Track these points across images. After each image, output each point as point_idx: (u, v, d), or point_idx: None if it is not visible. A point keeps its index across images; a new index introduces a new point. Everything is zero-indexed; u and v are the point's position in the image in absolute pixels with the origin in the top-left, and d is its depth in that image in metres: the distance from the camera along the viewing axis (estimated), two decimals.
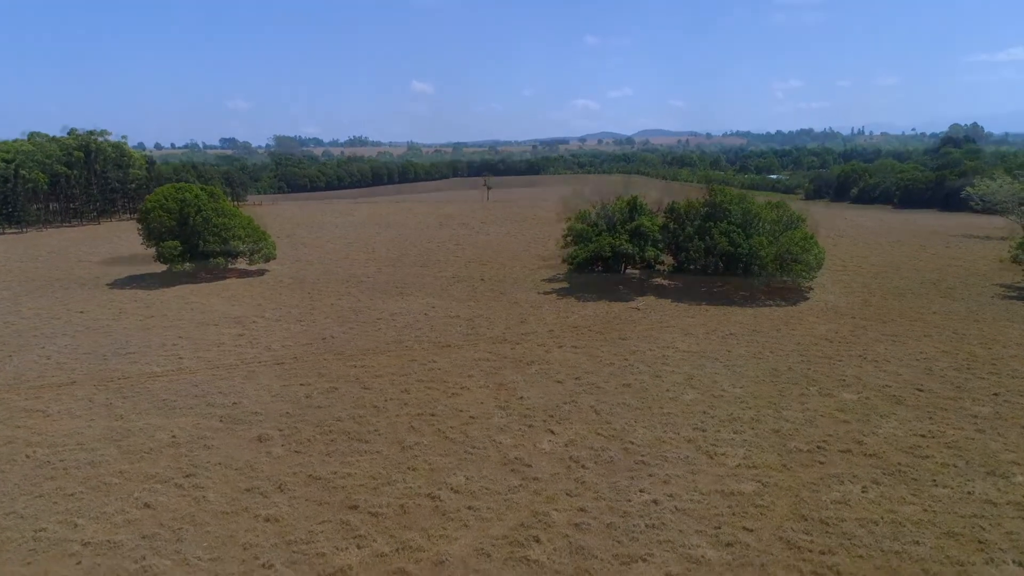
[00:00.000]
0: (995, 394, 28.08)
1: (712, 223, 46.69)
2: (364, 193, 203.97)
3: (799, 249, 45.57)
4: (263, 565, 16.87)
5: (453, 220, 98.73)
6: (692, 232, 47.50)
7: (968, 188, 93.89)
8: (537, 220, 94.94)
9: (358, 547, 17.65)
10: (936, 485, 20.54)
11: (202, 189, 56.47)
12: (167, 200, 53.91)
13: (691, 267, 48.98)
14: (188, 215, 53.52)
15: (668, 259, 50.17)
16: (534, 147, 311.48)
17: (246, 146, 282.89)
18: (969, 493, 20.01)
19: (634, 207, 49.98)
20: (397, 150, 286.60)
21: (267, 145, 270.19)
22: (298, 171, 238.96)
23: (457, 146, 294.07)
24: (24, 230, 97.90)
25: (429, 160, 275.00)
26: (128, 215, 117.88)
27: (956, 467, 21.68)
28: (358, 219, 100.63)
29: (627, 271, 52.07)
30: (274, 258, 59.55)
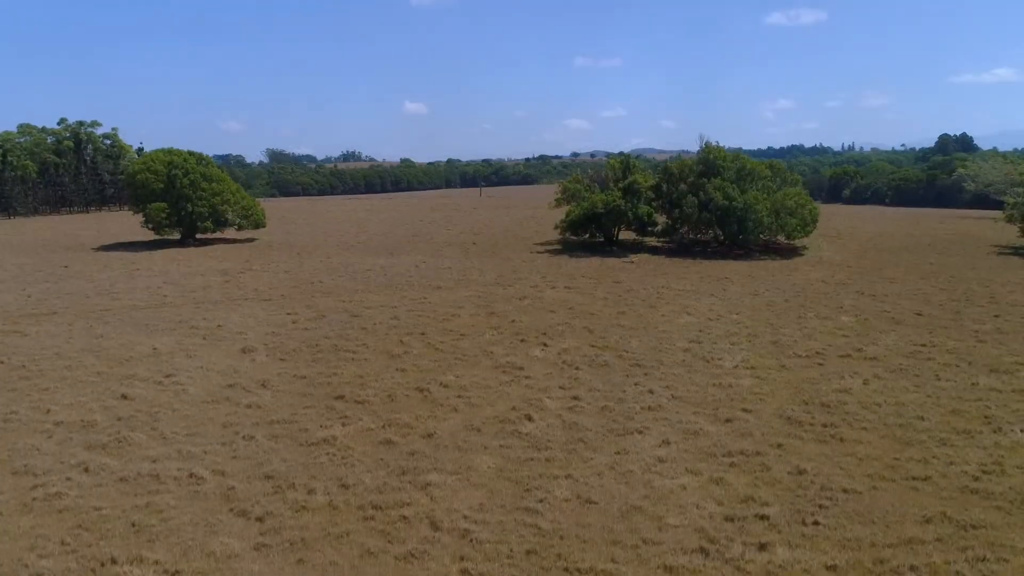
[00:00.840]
0: (995, 316, 27.65)
1: (706, 179, 46.23)
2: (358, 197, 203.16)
3: (793, 204, 45.28)
4: (243, 437, 16.16)
5: (446, 206, 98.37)
6: (686, 189, 47.02)
7: (960, 169, 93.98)
8: (532, 216, 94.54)
9: (343, 424, 16.96)
10: (939, 379, 19.99)
11: (190, 154, 55.71)
12: (154, 162, 53.16)
13: (684, 227, 48.44)
14: (175, 178, 52.71)
15: (661, 219, 49.58)
16: (527, 160, 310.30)
17: (240, 159, 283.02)
18: (974, 384, 19.47)
19: (627, 166, 49.52)
20: (390, 165, 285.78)
21: (260, 162, 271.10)
22: (291, 178, 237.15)
23: (451, 162, 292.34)
24: (11, 217, 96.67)
25: (423, 170, 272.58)
26: (119, 206, 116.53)
27: (959, 367, 21.15)
28: (351, 208, 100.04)
29: (619, 236, 51.37)
30: (263, 226, 58.82)
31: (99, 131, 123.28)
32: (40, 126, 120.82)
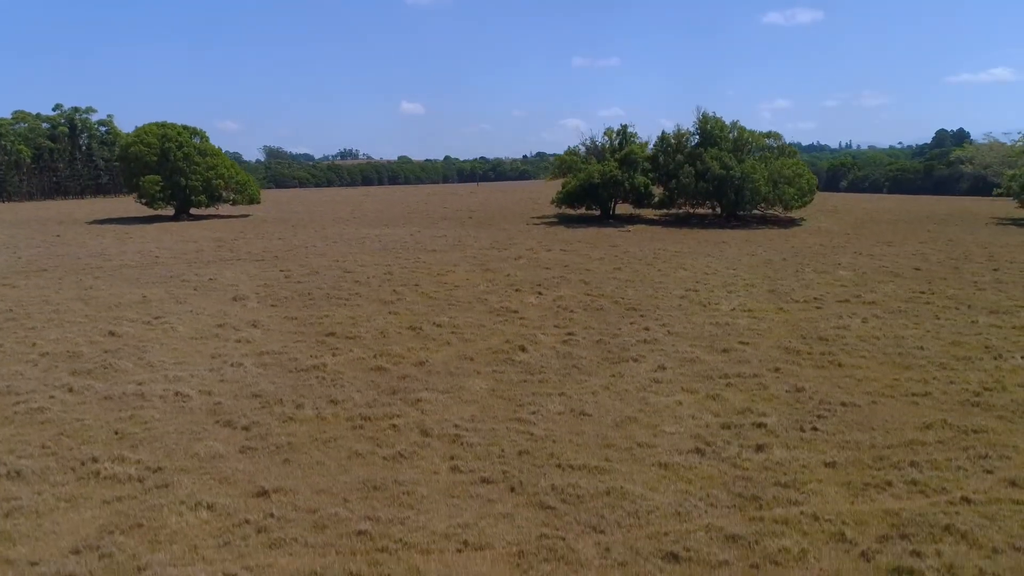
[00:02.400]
0: (994, 270, 27.45)
1: (703, 149, 45.92)
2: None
3: (791, 173, 45.02)
4: (232, 365, 15.86)
5: (443, 192, 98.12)
6: (683, 160, 46.70)
7: (957, 151, 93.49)
8: (528, 199, 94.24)
9: (333, 355, 16.68)
10: (939, 319, 19.77)
11: (184, 128, 55.23)
12: (148, 135, 52.67)
13: (681, 198, 48.12)
14: (169, 151, 52.25)
15: (658, 191, 49.28)
16: (524, 158, 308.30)
17: (237, 156, 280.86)
18: (973, 322, 19.26)
19: (624, 137, 49.21)
20: (387, 161, 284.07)
21: (257, 160, 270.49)
22: (288, 172, 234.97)
23: (448, 159, 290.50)
24: (5, 201, 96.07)
25: (420, 166, 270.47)
26: (115, 194, 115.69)
27: (958, 309, 20.92)
28: (347, 192, 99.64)
29: (616, 209, 51.06)
30: (258, 201, 58.44)
31: (94, 118, 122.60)
32: (35, 113, 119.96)
